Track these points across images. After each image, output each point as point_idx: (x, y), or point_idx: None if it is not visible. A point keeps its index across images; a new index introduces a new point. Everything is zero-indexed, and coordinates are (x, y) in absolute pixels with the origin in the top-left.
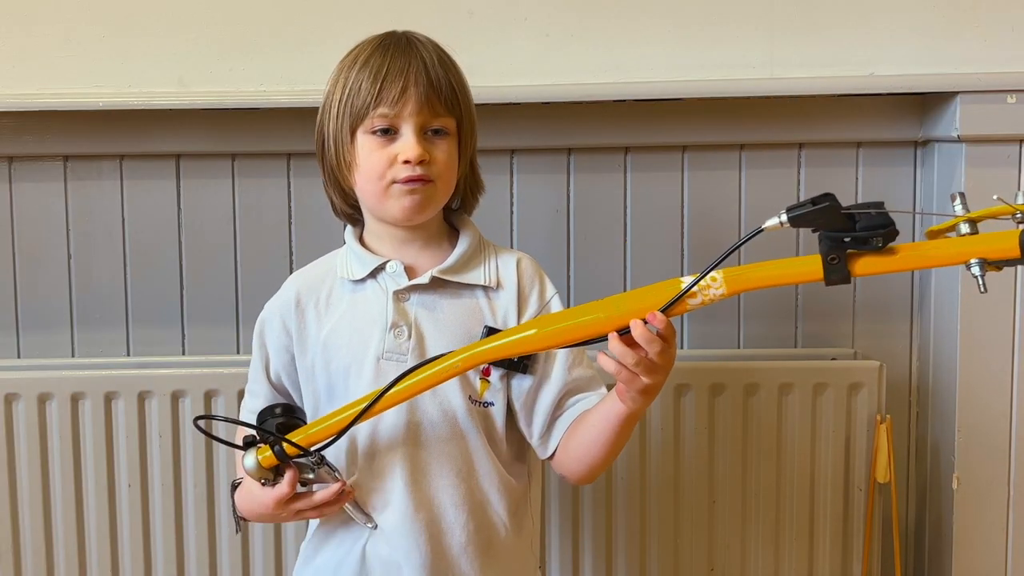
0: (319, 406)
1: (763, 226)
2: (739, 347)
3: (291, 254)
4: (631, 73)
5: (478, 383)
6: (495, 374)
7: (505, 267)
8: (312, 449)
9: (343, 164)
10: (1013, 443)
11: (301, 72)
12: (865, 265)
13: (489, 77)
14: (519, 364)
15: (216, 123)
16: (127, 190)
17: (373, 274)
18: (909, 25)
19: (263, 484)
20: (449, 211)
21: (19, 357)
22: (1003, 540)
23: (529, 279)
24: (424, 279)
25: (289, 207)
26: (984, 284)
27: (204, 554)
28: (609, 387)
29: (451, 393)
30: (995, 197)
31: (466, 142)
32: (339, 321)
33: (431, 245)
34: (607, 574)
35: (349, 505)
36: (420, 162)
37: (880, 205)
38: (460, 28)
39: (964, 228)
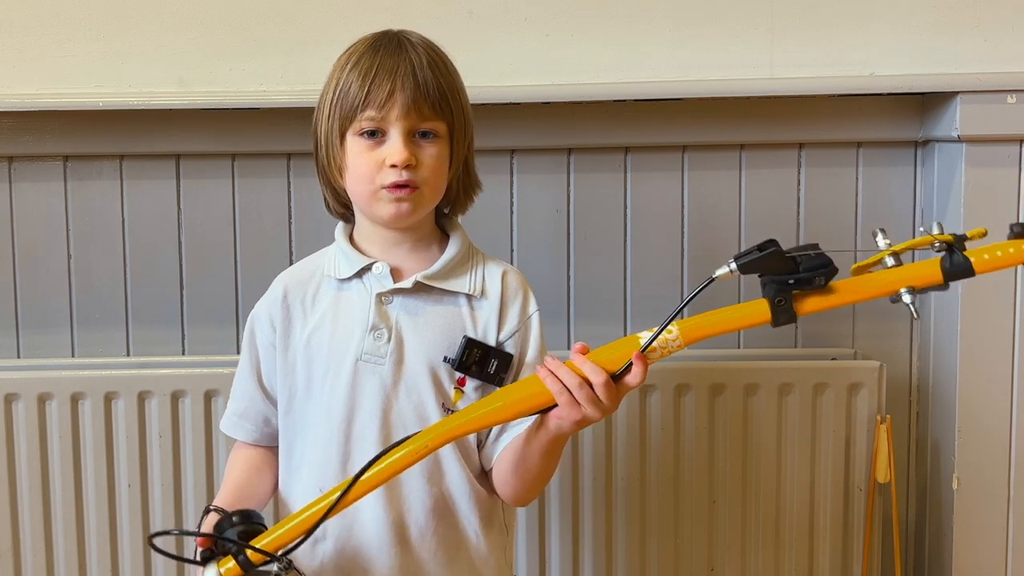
0: (293, 404)
1: (714, 276)
2: (739, 347)
3: (291, 254)
4: (631, 73)
5: (452, 392)
6: (470, 384)
7: (491, 277)
8: (279, 553)
9: (333, 165)
10: (1013, 443)
11: (301, 72)
12: (809, 304)
13: (489, 77)
14: (495, 378)
15: (216, 123)
16: (127, 190)
17: (359, 274)
18: (909, 25)
19: None
20: (441, 214)
21: (19, 357)
22: (1003, 540)
23: (513, 292)
24: (407, 283)
25: (289, 207)
26: (917, 311)
27: None
28: None
29: (426, 399)
30: (920, 229)
31: (458, 145)
32: (322, 319)
33: (420, 248)
34: (607, 574)
35: None
36: (407, 166)
37: (816, 247)
38: (460, 28)
39: (890, 261)
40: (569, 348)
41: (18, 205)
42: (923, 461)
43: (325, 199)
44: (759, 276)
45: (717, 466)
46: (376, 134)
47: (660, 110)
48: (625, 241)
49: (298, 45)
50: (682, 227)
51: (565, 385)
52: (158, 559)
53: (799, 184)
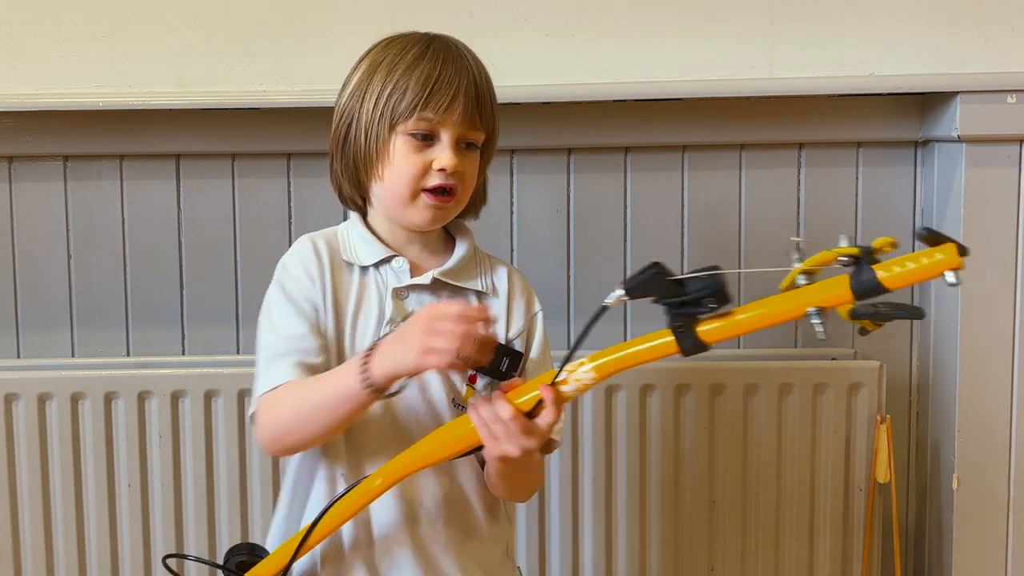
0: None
1: (606, 303)
2: (739, 347)
3: None
4: (631, 73)
5: (464, 388)
6: (480, 382)
7: (499, 276)
8: None
9: (372, 156)
10: (1013, 443)
11: (301, 72)
12: (714, 332)
13: None
14: (506, 375)
15: (216, 123)
16: (127, 190)
17: (377, 265)
18: (909, 25)
19: None
20: None
21: (19, 357)
22: (1003, 540)
23: (519, 291)
24: (425, 279)
25: (289, 207)
26: (824, 332)
27: (204, 554)
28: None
29: (436, 395)
30: (843, 240)
31: (487, 157)
32: (344, 303)
33: (430, 247)
34: (607, 574)
35: None
36: (453, 172)
37: (714, 268)
38: (460, 28)
39: (802, 280)
40: (569, 348)
41: (18, 205)
42: (923, 461)
43: (340, 188)
44: (655, 303)
45: (717, 466)
46: (428, 137)
47: (660, 110)
48: (625, 241)
49: (298, 45)
50: (682, 227)
51: (484, 420)
52: (158, 559)
53: (799, 184)
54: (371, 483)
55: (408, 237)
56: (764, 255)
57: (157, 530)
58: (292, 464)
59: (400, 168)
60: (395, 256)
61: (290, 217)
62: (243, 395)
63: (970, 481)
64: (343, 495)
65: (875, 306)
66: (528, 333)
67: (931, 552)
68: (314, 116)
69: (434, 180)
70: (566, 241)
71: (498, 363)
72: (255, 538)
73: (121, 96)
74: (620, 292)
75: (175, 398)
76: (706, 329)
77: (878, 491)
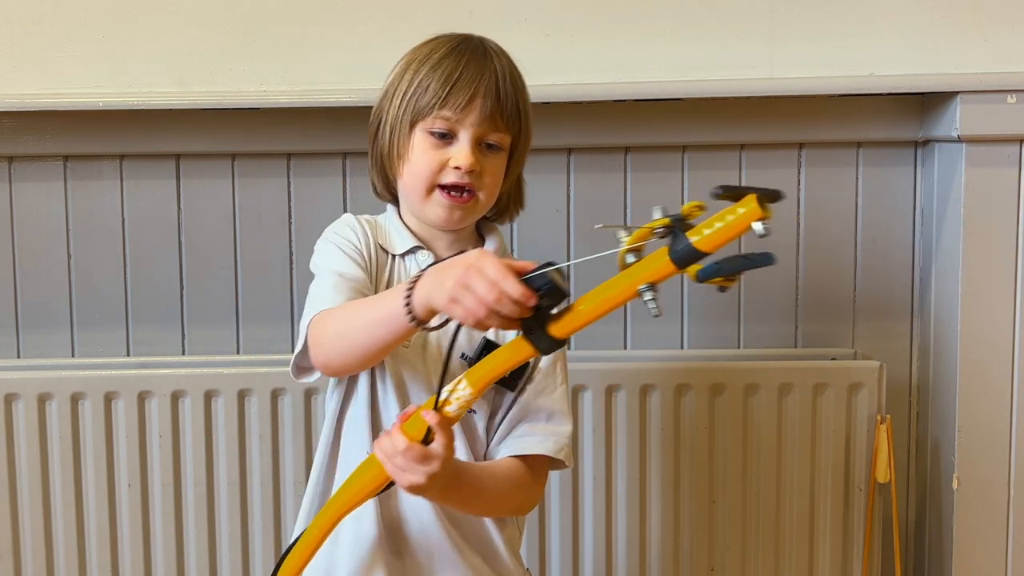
0: None
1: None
2: (739, 347)
3: (291, 254)
4: (631, 73)
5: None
6: None
7: None
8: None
9: (394, 153)
10: (1013, 443)
11: (301, 72)
12: (561, 327)
13: None
14: (509, 382)
15: (216, 123)
16: (127, 190)
17: (405, 254)
18: (909, 25)
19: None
20: (483, 218)
21: (19, 357)
22: (1003, 540)
23: None
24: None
25: (289, 207)
26: (658, 308)
27: (204, 554)
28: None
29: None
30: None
31: (517, 160)
32: (377, 280)
33: (460, 244)
34: (607, 574)
35: None
36: (470, 171)
37: (549, 264)
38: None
39: (631, 259)
40: (571, 348)
41: (18, 205)
42: (923, 461)
43: (374, 183)
44: None
45: (717, 466)
46: (446, 136)
47: (660, 110)
48: None
49: (298, 45)
50: None
51: (385, 455)
52: (158, 559)
53: (799, 184)
54: (309, 534)
55: (434, 233)
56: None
57: (157, 530)
58: (318, 454)
59: (417, 164)
60: (421, 248)
61: (290, 217)
62: (243, 395)
63: (970, 481)
64: (288, 550)
65: (719, 264)
66: None
67: (931, 552)
68: (314, 116)
69: (449, 178)
70: (566, 241)
71: None
72: (255, 537)
73: (121, 96)
74: None
75: (175, 398)
76: (556, 325)
77: (878, 491)
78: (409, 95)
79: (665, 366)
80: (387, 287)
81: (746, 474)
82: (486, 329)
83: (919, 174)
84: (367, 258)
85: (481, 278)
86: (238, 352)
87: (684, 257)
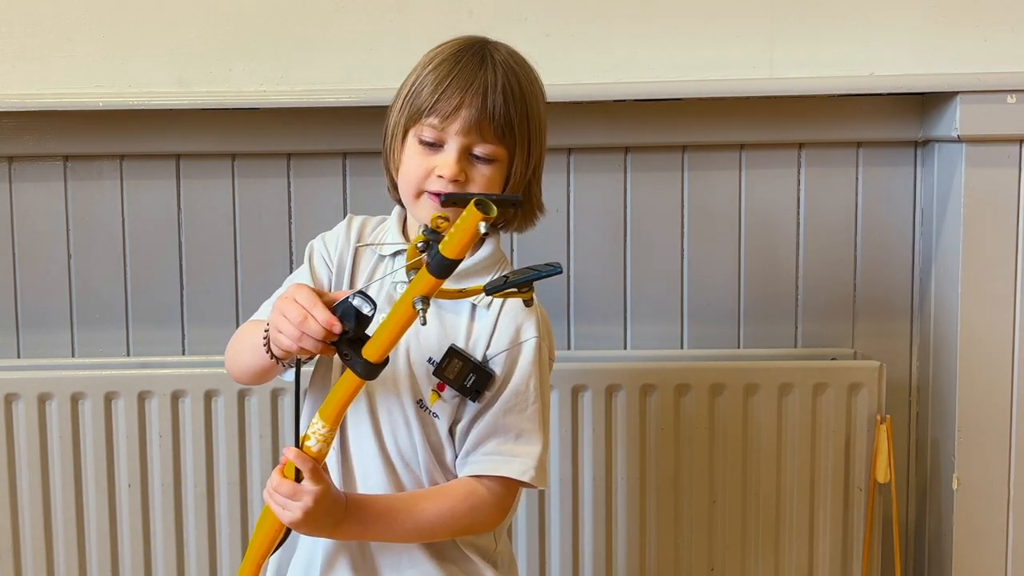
0: None
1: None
2: (739, 347)
3: (291, 254)
4: (631, 73)
5: (429, 393)
6: (448, 391)
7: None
8: None
9: (392, 155)
10: (1013, 443)
11: (301, 72)
12: (370, 351)
13: None
14: (470, 392)
15: (216, 123)
16: (127, 190)
17: (395, 255)
18: (909, 25)
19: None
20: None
21: (19, 357)
22: (1003, 540)
23: (512, 313)
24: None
25: (289, 207)
26: (425, 318)
27: (204, 554)
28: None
29: (403, 392)
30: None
31: (519, 171)
32: (357, 280)
33: None
34: (607, 574)
35: None
36: (455, 181)
37: (358, 293)
38: (460, 28)
39: (412, 275)
40: (571, 349)
41: (18, 205)
42: (923, 461)
43: (388, 182)
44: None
45: (717, 466)
46: (435, 144)
47: (660, 110)
48: (625, 241)
49: (298, 45)
50: (682, 227)
51: (269, 496)
52: (158, 559)
53: (799, 184)
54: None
55: None
56: (765, 255)
57: (157, 530)
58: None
59: (407, 167)
60: (404, 250)
61: (290, 217)
62: (243, 395)
63: (970, 481)
64: None
65: (505, 276)
66: (512, 358)
67: (931, 552)
68: (314, 116)
69: (434, 185)
70: (566, 241)
71: (463, 379)
72: None
73: (121, 96)
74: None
75: (175, 398)
76: (368, 351)
77: (878, 491)
78: (404, 99)
79: (665, 366)
80: (364, 285)
81: (746, 474)
82: (305, 355)
83: (919, 174)
84: (334, 263)
85: (293, 306)
86: None
87: (438, 265)
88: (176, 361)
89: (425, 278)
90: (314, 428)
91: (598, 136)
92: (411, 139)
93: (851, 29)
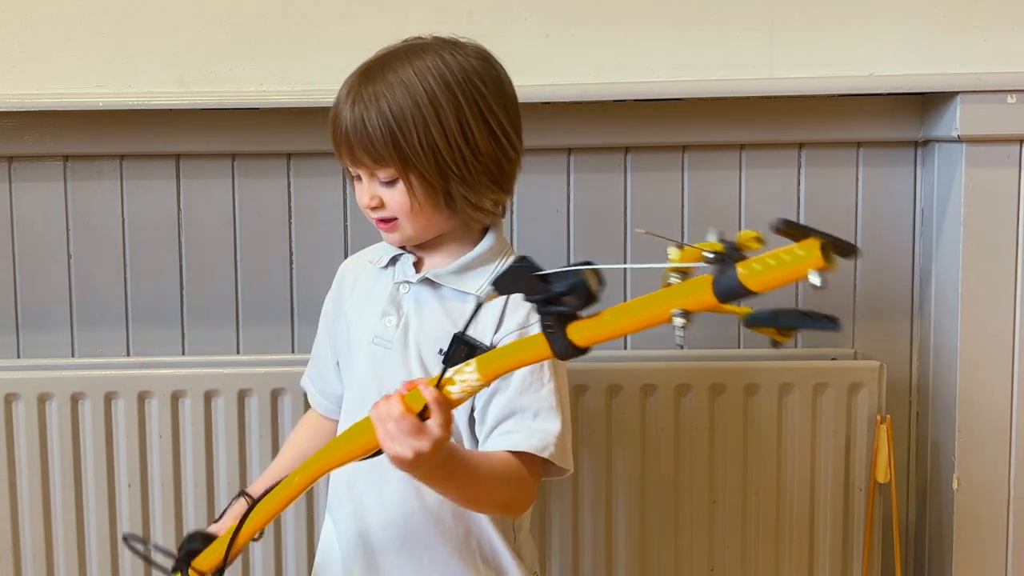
0: (344, 377)
1: (480, 299)
2: (739, 347)
3: (291, 254)
4: (631, 73)
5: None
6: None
7: None
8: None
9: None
10: (1013, 443)
11: (301, 72)
12: (584, 333)
13: None
14: None
15: (216, 123)
16: (127, 190)
17: (393, 262)
18: (909, 25)
19: None
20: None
21: (19, 357)
22: (1003, 540)
23: (518, 301)
24: (415, 278)
25: (289, 207)
26: (684, 339)
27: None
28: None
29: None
30: (711, 235)
31: (428, 181)
32: (359, 301)
33: (456, 244)
34: (607, 574)
35: None
36: (372, 208)
37: (586, 263)
38: (460, 28)
39: (673, 279)
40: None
41: (18, 205)
42: (923, 461)
43: None
44: (525, 299)
45: (717, 466)
46: (355, 176)
47: (660, 110)
48: (625, 241)
49: (298, 45)
50: (682, 227)
51: (379, 417)
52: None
53: (799, 184)
54: (291, 480)
55: (429, 243)
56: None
57: (157, 530)
58: None
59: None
60: (403, 254)
61: (290, 217)
62: (243, 395)
63: (970, 481)
64: (264, 496)
65: (775, 313)
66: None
67: (931, 552)
68: (314, 116)
69: (367, 212)
70: (566, 241)
71: (461, 360)
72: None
73: (121, 96)
74: (488, 288)
75: (175, 398)
76: (576, 331)
77: (878, 491)
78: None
79: (665, 366)
80: (365, 296)
81: (746, 474)
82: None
83: (919, 174)
84: (342, 305)
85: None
86: (238, 352)
87: (728, 290)
88: (176, 361)
89: (702, 292)
90: (464, 375)
91: (598, 136)
92: None
93: (851, 29)
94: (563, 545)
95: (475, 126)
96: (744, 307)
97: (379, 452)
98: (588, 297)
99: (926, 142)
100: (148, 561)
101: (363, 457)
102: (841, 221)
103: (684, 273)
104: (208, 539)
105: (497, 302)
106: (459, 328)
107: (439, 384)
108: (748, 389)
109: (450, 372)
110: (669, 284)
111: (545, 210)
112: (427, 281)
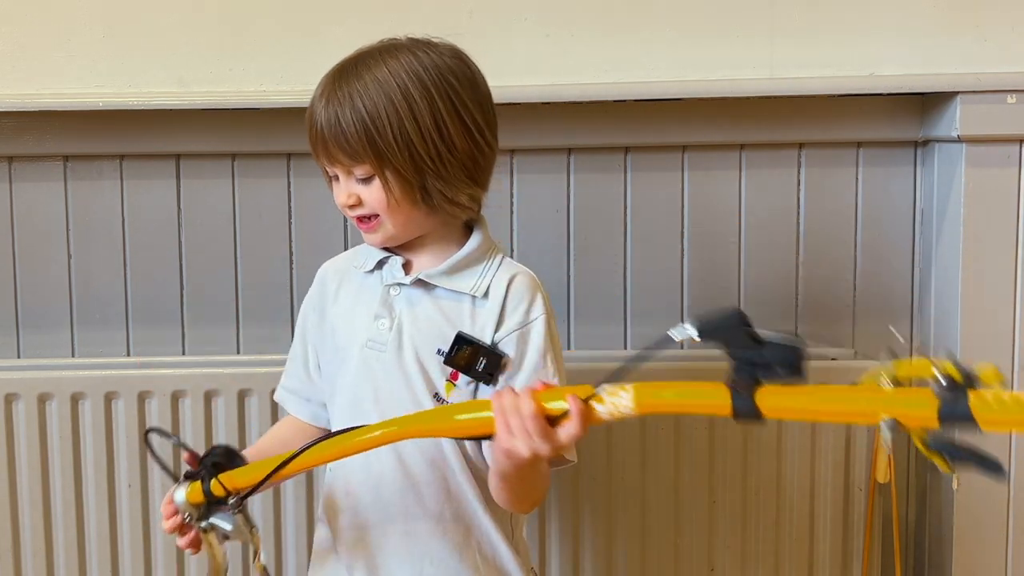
0: (329, 383)
1: (672, 335)
2: None
3: (291, 254)
4: (631, 73)
5: (443, 384)
6: (463, 379)
7: (498, 280)
8: (232, 498)
9: None
10: (1013, 443)
11: (301, 72)
12: (771, 403)
13: (489, 77)
14: (483, 375)
15: (216, 123)
16: (127, 190)
17: (380, 265)
18: (909, 25)
19: (186, 520)
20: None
21: (19, 357)
22: (1003, 540)
23: (517, 295)
24: (407, 279)
25: (289, 207)
26: (891, 447)
27: (204, 554)
28: None
29: (417, 389)
30: (935, 364)
31: (405, 177)
32: (345, 305)
33: (440, 244)
34: (607, 574)
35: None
36: (351, 207)
37: (793, 335)
38: (460, 28)
39: (885, 381)
40: (571, 349)
41: (18, 205)
42: (923, 461)
43: None
44: (724, 352)
45: (717, 466)
46: (332, 176)
47: (660, 110)
48: (625, 241)
49: (298, 45)
50: (682, 227)
51: (503, 409)
52: (158, 559)
53: (799, 184)
54: (371, 431)
55: (414, 241)
56: (764, 256)
57: (157, 530)
58: None
59: None
60: (390, 257)
61: (290, 217)
62: (243, 395)
63: (970, 481)
64: (339, 433)
65: (954, 444)
66: (523, 337)
67: (931, 552)
68: None
69: (346, 211)
70: (566, 241)
71: (474, 363)
72: None
73: (121, 96)
74: (691, 329)
75: (175, 398)
76: (765, 399)
77: (878, 491)
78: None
79: (665, 366)
80: (354, 302)
81: (746, 474)
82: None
83: (919, 174)
84: (324, 312)
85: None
86: (238, 352)
87: (954, 416)
88: (176, 361)
89: (924, 409)
90: (616, 398)
91: (598, 136)
92: None
93: (851, 29)
94: (563, 545)
95: (449, 121)
96: None
97: (484, 437)
98: (797, 375)
99: (926, 142)
100: (172, 459)
101: (466, 437)
102: (841, 221)
103: (897, 380)
104: (230, 454)
105: (493, 304)
106: (456, 328)
107: (588, 398)
108: None
109: (602, 391)
110: (869, 378)
111: (545, 210)
112: (419, 282)
